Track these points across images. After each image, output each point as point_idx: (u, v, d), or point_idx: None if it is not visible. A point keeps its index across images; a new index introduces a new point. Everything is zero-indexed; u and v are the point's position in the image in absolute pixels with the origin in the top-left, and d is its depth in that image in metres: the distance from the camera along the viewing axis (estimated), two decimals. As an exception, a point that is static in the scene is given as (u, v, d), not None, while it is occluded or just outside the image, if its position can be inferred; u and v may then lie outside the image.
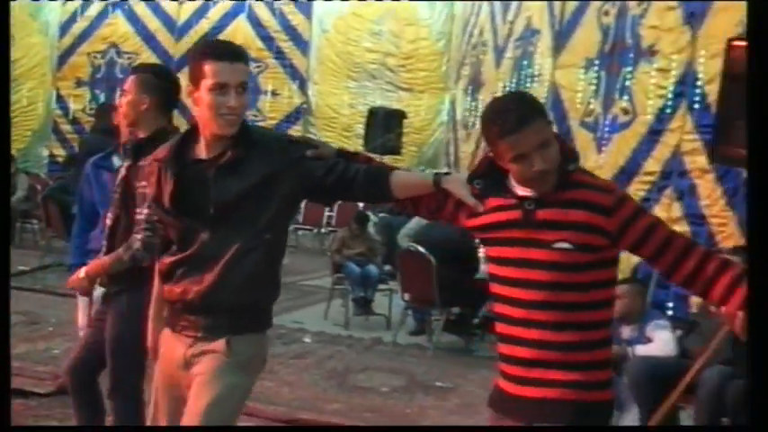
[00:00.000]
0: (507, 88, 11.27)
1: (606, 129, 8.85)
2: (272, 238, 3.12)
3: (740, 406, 4.82)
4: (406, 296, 8.40)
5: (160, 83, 3.99)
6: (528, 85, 10.69)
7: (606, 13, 9.13)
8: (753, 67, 2.26)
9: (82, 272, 3.89)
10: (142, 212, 3.73)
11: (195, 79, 3.01)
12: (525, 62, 10.83)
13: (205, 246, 3.09)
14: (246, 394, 3.22)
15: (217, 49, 3.08)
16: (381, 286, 9.42)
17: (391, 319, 9.00)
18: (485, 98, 12.04)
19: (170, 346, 3.21)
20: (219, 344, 3.08)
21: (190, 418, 3.05)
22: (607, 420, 2.91)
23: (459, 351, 8.19)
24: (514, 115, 2.71)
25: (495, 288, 2.92)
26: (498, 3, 11.90)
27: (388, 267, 9.55)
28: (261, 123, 14.21)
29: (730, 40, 6.51)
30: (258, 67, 14.60)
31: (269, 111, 15.45)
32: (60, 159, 14.06)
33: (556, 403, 2.78)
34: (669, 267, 2.77)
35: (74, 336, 4.81)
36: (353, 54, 15.07)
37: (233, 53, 3.06)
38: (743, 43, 6.47)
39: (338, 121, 15.02)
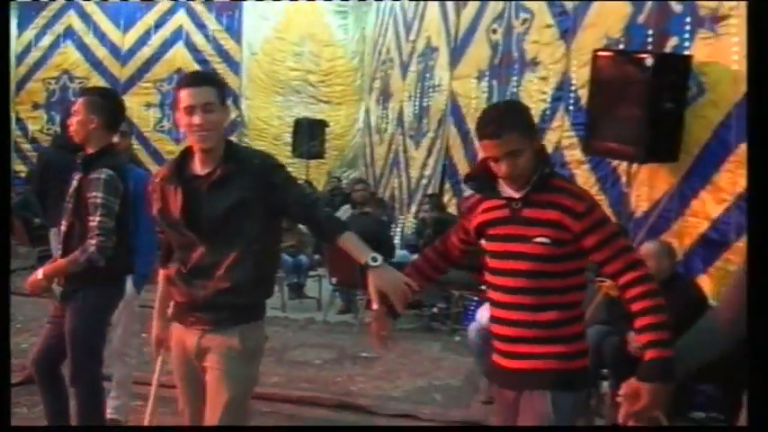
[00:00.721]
0: (412, 97, 11.35)
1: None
2: (261, 248, 3.12)
3: (616, 358, 4.96)
4: (334, 280, 8.41)
5: (106, 104, 3.94)
6: (430, 94, 10.74)
7: (494, 32, 9.21)
8: (753, 67, 2.04)
9: (39, 273, 3.82)
10: (95, 220, 3.72)
11: (175, 106, 3.09)
12: (427, 75, 10.89)
13: (204, 256, 3.10)
14: (256, 382, 3.28)
15: (185, 78, 3.16)
16: (312, 273, 9.39)
17: (321, 300, 8.98)
18: (393, 106, 12.12)
19: (182, 339, 3.22)
20: (232, 337, 3.11)
21: (214, 410, 3.11)
22: (587, 384, 3.00)
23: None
24: (490, 127, 2.81)
25: (488, 277, 3.00)
26: (402, 24, 11.96)
27: (317, 256, 9.55)
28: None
29: (596, 51, 6.70)
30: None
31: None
32: (23, 175, 13.74)
33: (543, 373, 2.84)
34: (613, 274, 2.81)
35: (38, 332, 4.74)
36: (279, 72, 14.97)
37: (197, 79, 3.15)
38: (607, 53, 6.69)
39: (268, 131, 14.90)
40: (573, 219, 2.76)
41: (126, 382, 4.90)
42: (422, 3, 11.21)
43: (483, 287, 7.49)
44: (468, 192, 3.25)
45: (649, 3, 6.75)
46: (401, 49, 12.01)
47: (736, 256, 5.41)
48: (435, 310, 8.36)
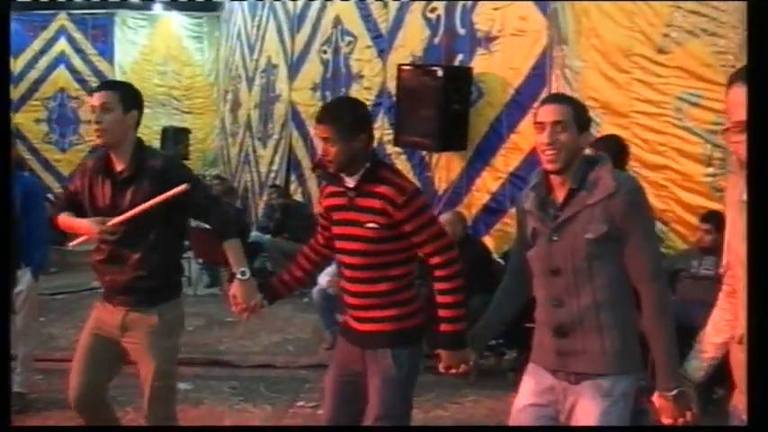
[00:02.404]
0: (257, 106, 11.26)
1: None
2: (170, 238, 3.05)
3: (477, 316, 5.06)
4: (200, 260, 8.31)
5: None
6: (273, 104, 10.70)
7: (324, 52, 9.26)
8: (753, 67, 1.81)
9: None
10: None
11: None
12: (269, 87, 10.85)
13: (121, 245, 2.99)
14: (178, 352, 3.18)
15: (95, 87, 3.12)
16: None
17: (191, 277, 8.88)
18: (243, 114, 12.00)
19: (105, 315, 3.10)
20: (152, 315, 3.02)
21: (145, 380, 3.04)
22: (420, 340, 2.87)
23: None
24: (319, 112, 2.81)
25: (337, 256, 2.94)
26: (246, 46, 11.85)
27: (186, 242, 9.36)
28: (80, 146, 13.49)
29: (399, 65, 6.92)
30: (77, 101, 13.78)
31: (89, 135, 14.67)
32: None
33: (384, 333, 2.80)
34: (425, 255, 2.75)
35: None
36: (147, 89, 14.45)
37: (97, 87, 3.12)
38: (408, 67, 6.92)
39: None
40: (394, 208, 2.69)
41: (28, 359, 4.71)
42: (263, 27, 11.14)
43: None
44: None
45: (442, 27, 7.04)
46: (247, 66, 11.91)
47: (511, 220, 5.75)
48: (286, 278, 8.39)
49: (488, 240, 6.32)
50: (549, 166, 2.38)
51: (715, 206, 5.06)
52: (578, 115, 2.40)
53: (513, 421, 2.52)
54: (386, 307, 2.79)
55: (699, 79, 5.12)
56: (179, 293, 3.20)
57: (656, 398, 2.27)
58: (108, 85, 3.23)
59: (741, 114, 1.79)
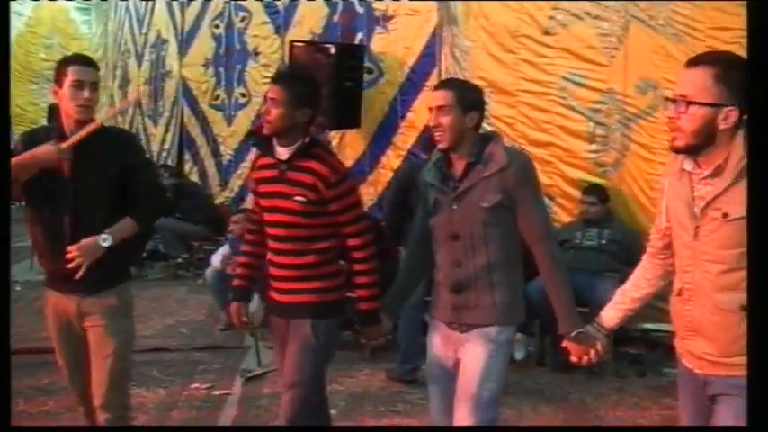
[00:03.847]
0: (147, 83, 10.88)
1: (232, 108, 8.90)
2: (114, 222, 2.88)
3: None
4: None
5: None
6: (163, 80, 10.38)
7: (217, 27, 9.08)
8: (753, 67, 1.87)
9: None
10: None
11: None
12: (159, 63, 10.51)
13: (75, 227, 2.83)
14: (134, 334, 3.11)
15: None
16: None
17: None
18: (131, 91, 11.62)
19: (59, 304, 2.96)
20: (109, 297, 2.92)
21: (102, 363, 2.92)
22: (340, 313, 2.96)
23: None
24: (277, 75, 2.95)
25: (266, 229, 2.95)
26: (135, 20, 11.44)
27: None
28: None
29: (291, 42, 6.86)
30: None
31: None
32: None
33: (306, 305, 2.87)
34: (344, 235, 2.86)
35: None
36: (33, 63, 13.94)
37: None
38: (300, 44, 6.86)
39: (26, 116, 13.69)
40: (325, 186, 2.78)
41: None
42: (151, 1, 10.77)
43: (218, 237, 7.54)
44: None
45: (341, 4, 7.02)
46: (136, 41, 11.49)
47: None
48: (180, 260, 8.26)
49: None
50: (439, 146, 2.67)
51: (597, 180, 5.32)
52: (462, 98, 2.65)
53: (428, 374, 2.90)
54: (309, 279, 2.86)
55: (583, 60, 5.34)
56: (131, 276, 3.13)
57: (564, 342, 2.57)
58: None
59: (685, 90, 1.99)
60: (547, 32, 5.48)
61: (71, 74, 2.86)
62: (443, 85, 2.78)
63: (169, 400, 4.55)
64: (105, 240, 2.81)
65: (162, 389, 4.73)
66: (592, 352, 2.47)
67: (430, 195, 2.74)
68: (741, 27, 4.06)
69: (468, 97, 2.66)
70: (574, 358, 2.54)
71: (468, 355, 2.67)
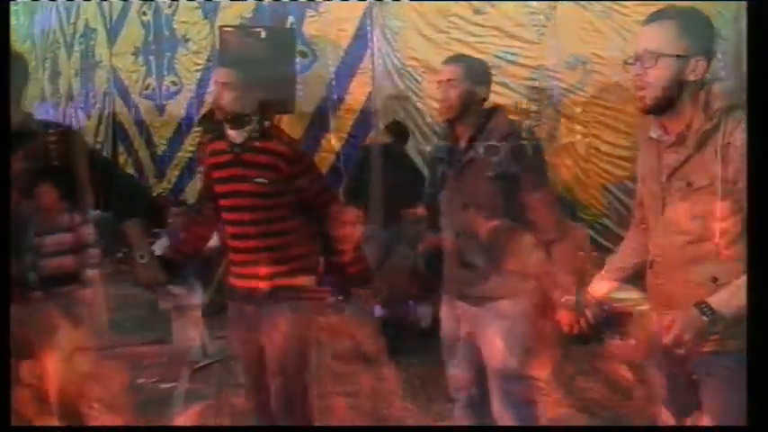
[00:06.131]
0: (78, 74, 10.68)
1: (162, 97, 8.79)
2: None
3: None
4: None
5: None
6: (94, 69, 10.19)
7: (144, 14, 8.94)
8: (753, 67, 1.82)
9: None
10: None
11: None
12: (89, 53, 10.28)
13: None
14: None
15: None
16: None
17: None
18: (63, 83, 11.33)
19: None
20: None
21: None
22: (312, 296, 2.93)
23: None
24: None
25: (223, 215, 2.92)
26: (63, 8, 11.16)
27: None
28: None
29: (221, 27, 6.76)
30: None
31: None
32: None
33: (272, 289, 2.82)
34: (318, 206, 2.86)
35: None
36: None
37: None
38: (229, 29, 6.79)
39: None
40: (288, 164, 2.77)
41: None
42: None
43: (156, 230, 7.45)
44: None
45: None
46: (64, 31, 11.22)
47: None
48: (120, 254, 8.14)
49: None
50: (445, 116, 2.75)
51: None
52: (471, 71, 2.73)
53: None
54: (275, 263, 2.83)
55: (513, 38, 5.44)
56: None
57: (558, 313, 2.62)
58: None
59: (652, 44, 1.97)
60: (477, 11, 5.57)
61: None
62: (452, 60, 2.85)
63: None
64: (143, 257, 2.92)
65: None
66: (582, 320, 2.50)
67: (438, 168, 2.82)
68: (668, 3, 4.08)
69: (476, 70, 2.75)
70: (565, 327, 2.57)
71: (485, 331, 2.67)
